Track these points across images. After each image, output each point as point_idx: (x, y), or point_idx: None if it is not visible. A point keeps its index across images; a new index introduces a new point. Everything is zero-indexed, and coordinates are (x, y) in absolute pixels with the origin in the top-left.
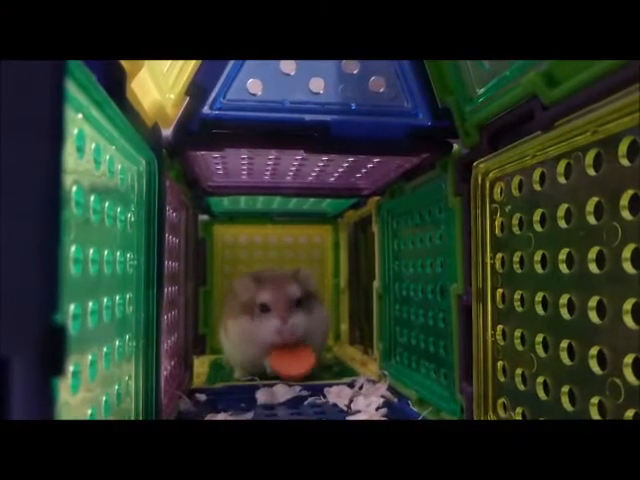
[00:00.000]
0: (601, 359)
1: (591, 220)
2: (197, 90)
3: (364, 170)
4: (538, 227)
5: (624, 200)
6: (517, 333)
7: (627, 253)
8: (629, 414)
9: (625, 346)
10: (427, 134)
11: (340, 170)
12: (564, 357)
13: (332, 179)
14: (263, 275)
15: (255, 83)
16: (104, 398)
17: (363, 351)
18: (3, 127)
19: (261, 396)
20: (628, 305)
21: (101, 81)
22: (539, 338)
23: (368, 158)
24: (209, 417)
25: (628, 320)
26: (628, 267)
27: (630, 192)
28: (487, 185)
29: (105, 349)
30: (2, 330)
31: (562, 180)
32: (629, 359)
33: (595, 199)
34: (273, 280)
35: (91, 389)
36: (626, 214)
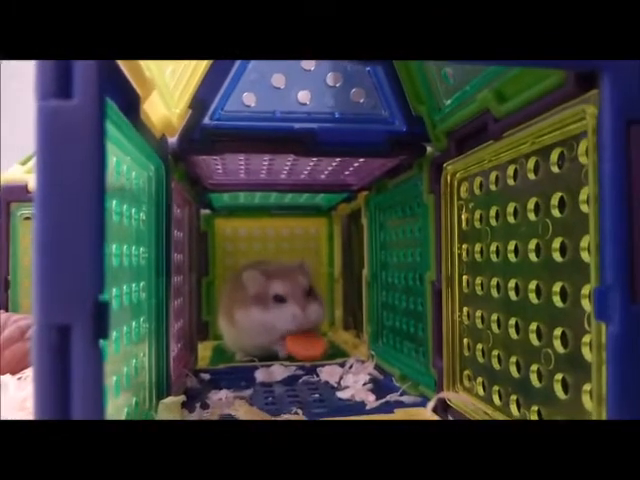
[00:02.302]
0: (538, 333)
1: (531, 217)
2: (199, 103)
3: (351, 168)
4: (493, 222)
5: (554, 200)
6: (478, 313)
7: (556, 244)
8: (558, 377)
9: (555, 322)
10: (403, 139)
11: (330, 168)
12: (512, 333)
13: (323, 176)
14: (270, 268)
15: (249, 96)
16: (125, 370)
17: (355, 335)
18: (55, 163)
19: (260, 375)
20: (557, 287)
21: (120, 106)
22: (494, 317)
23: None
24: (213, 393)
25: (557, 300)
26: (557, 257)
27: (559, 194)
28: (455, 184)
29: (125, 328)
30: (65, 305)
31: (511, 182)
32: (558, 332)
33: (534, 199)
34: (282, 272)
35: (115, 361)
36: (555, 212)
